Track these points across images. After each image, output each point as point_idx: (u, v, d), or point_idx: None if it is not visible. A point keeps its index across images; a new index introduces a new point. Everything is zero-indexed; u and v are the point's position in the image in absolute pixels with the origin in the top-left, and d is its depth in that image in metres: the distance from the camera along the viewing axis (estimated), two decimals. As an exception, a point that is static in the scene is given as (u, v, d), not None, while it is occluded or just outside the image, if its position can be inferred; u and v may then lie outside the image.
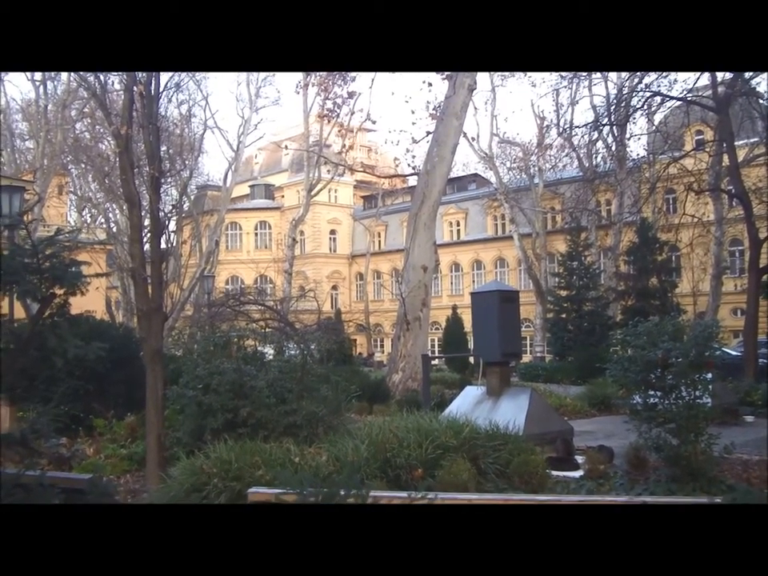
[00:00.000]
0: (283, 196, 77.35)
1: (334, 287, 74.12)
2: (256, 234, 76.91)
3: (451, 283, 68.53)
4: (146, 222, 14.09)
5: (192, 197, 49.61)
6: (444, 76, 26.10)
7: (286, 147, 65.32)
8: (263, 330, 15.73)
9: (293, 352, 14.27)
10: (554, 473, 10.52)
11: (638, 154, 43.85)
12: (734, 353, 30.65)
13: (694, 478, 9.47)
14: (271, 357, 14.34)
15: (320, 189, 53.96)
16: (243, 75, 49.58)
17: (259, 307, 17.05)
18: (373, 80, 32.32)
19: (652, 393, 10.39)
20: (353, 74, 30.01)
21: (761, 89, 30.74)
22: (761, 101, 30.44)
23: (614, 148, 43.06)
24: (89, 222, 51.94)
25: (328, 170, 52.64)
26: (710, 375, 10.48)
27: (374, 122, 46.08)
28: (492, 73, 48.25)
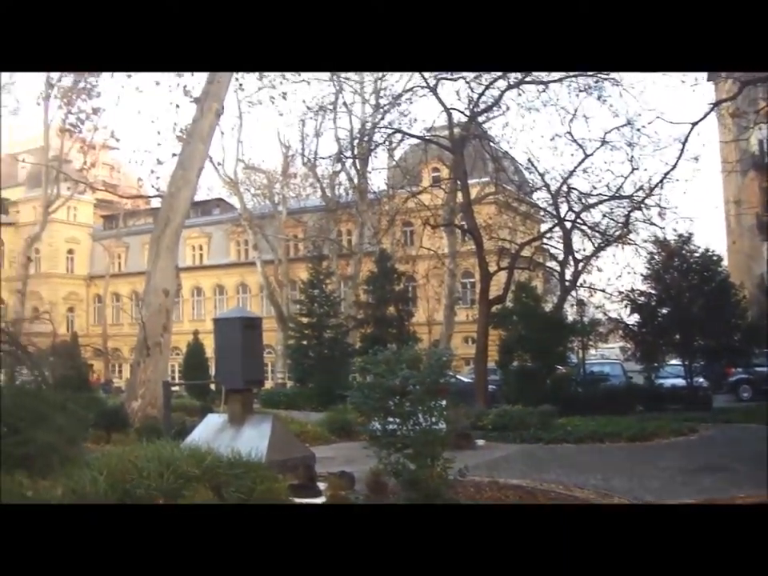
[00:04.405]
0: (18, 211, 73.14)
1: (71, 309, 71.04)
2: (-14, 251, 72.48)
3: (193, 308, 67.60)
4: None
5: None
6: (192, 99, 25.90)
7: (23, 160, 62.28)
8: (-8, 354, 14.90)
9: (25, 377, 13.63)
10: (297, 500, 10.61)
11: (378, 187, 45.26)
12: (465, 379, 32.21)
13: (430, 501, 9.83)
14: (1, 383, 13.63)
15: (58, 206, 51.85)
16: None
17: (-12, 329, 16.13)
18: (119, 97, 31.50)
19: (391, 419, 10.73)
20: (98, 89, 29.19)
21: (492, 132, 32.66)
22: (491, 143, 32.35)
23: (356, 180, 44.27)
24: None
25: (68, 187, 50.56)
26: (444, 402, 10.96)
27: (117, 140, 44.94)
28: (240, 99, 48.38)
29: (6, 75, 49.78)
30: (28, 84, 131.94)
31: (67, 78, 30.24)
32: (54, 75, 37.80)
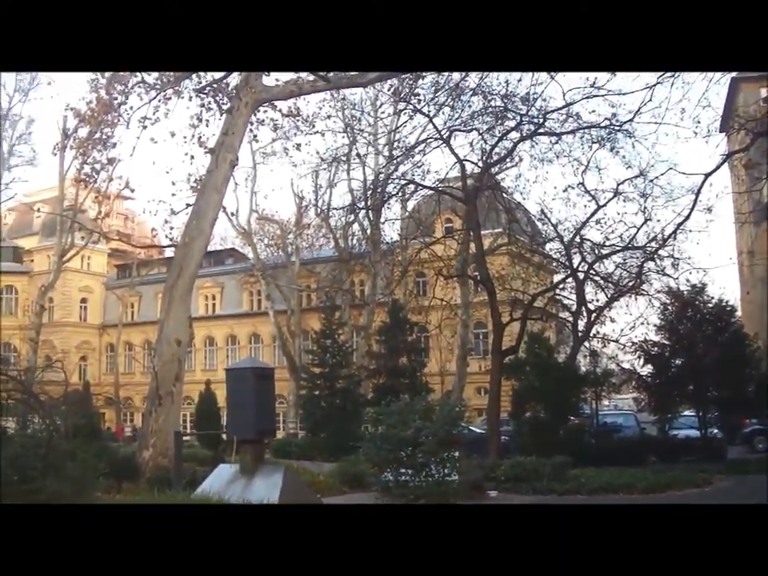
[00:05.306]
0: (32, 260, 73.80)
1: (83, 358, 71.11)
2: (0, 299, 72.78)
3: (205, 357, 67.54)
4: None
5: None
6: (207, 150, 26.10)
7: (39, 210, 62.87)
8: (5, 402, 14.91)
9: (37, 426, 13.60)
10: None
11: (391, 238, 45.33)
12: (478, 430, 32.02)
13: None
14: (13, 431, 13.60)
15: (72, 255, 52.04)
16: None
17: (1, 377, 16.13)
18: (134, 148, 31.84)
19: (403, 470, 10.68)
20: (114, 140, 29.33)
21: (505, 183, 32.76)
22: (504, 194, 32.45)
23: (369, 231, 44.40)
24: None
25: (82, 237, 50.84)
26: (457, 453, 10.91)
27: (132, 191, 45.24)
28: (254, 150, 48.76)
29: (21, 125, 50.60)
30: (45, 135, 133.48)
31: (83, 129, 30.46)
32: (70, 126, 38.19)
